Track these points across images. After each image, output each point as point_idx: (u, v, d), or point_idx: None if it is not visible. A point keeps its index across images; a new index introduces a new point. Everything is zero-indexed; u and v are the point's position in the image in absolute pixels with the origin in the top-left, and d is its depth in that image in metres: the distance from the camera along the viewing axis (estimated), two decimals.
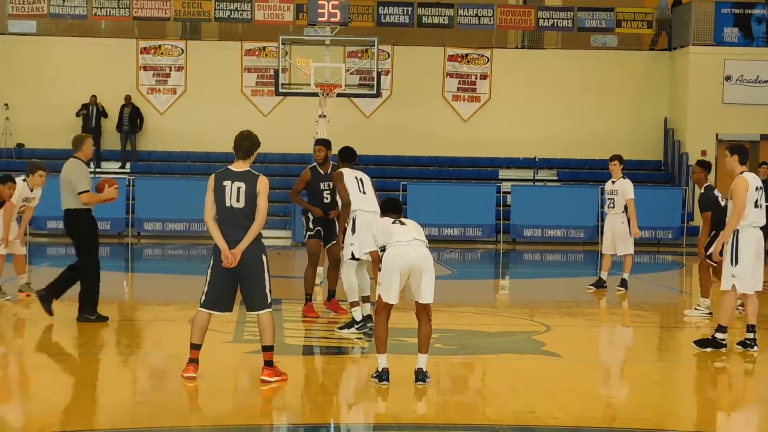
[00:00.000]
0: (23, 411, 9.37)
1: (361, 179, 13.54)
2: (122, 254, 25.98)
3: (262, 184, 10.23)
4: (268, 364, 10.31)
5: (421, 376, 10.28)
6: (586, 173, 32.23)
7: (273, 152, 31.24)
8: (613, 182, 18.41)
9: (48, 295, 13.97)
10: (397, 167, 32.50)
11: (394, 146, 32.62)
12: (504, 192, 30.73)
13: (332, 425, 9.11)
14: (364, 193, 13.43)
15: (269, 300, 10.35)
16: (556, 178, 32.86)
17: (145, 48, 33.01)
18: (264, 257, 10.31)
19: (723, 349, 12.44)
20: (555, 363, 12.01)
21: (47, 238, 27.25)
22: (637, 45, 34.24)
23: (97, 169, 30.97)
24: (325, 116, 27.54)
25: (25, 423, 8.89)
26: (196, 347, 10.44)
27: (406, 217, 10.99)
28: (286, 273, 21.17)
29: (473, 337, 13.64)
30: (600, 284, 18.34)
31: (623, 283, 18.21)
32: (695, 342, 12.71)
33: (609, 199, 18.44)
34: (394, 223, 10.53)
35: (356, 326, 13.30)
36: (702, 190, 15.33)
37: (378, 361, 10.29)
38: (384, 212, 10.93)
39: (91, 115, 31.77)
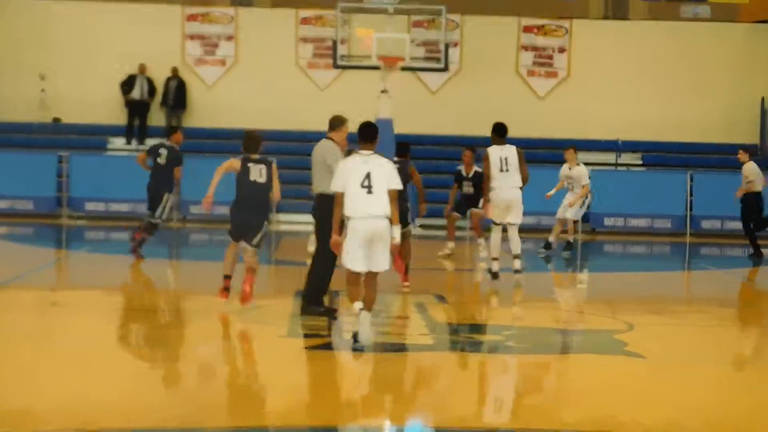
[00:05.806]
0: (60, 407, 9.58)
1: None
2: (166, 240, 26.20)
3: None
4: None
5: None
6: (675, 158, 32.05)
7: None
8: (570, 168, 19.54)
9: (315, 305, 13.79)
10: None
11: (463, 125, 32.56)
12: None
13: (395, 427, 9.21)
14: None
15: None
16: (641, 162, 32.71)
17: (191, 15, 33.17)
18: None
19: None
20: (638, 364, 12.05)
21: (86, 221, 27.56)
22: (733, 16, 33.93)
23: (140, 146, 31.29)
24: (387, 92, 27.68)
25: (60, 420, 9.09)
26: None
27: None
28: None
29: (549, 334, 13.68)
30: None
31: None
32: None
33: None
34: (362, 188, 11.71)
35: None
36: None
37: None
38: (360, 140, 12.08)
39: (140, 86, 31.93)
